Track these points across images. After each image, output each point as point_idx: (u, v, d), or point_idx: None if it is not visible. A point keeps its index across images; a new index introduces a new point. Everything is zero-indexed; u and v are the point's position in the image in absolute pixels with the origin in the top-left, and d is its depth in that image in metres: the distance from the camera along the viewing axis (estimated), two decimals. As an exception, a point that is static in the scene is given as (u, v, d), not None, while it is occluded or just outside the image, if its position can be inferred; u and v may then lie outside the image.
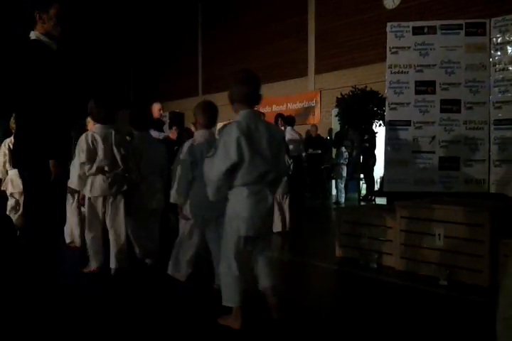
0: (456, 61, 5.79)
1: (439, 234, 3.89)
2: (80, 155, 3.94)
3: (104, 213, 4.08)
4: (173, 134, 6.92)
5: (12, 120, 6.57)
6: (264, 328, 2.88)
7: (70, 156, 3.64)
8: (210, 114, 3.72)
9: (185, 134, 7.34)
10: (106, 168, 3.98)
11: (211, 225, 3.39)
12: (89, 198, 4.06)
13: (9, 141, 6.20)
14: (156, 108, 7.52)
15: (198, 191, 3.24)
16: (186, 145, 3.62)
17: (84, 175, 3.99)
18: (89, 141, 3.97)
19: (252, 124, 2.80)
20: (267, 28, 13.61)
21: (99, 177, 3.99)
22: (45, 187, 3.02)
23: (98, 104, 4.09)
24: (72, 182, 4.05)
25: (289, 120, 7.91)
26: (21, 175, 3.17)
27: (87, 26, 20.01)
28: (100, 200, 4.05)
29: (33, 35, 3.06)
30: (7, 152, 5.90)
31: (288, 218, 6.24)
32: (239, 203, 2.78)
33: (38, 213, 3.06)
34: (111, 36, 19.89)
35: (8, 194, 5.73)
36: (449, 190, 5.67)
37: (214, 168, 2.73)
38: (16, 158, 3.18)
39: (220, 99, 15.50)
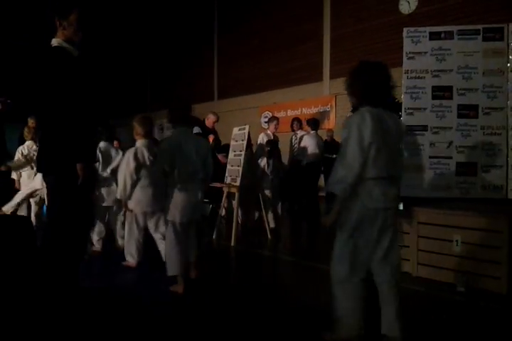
0: (473, 66, 5.76)
1: (456, 240, 3.88)
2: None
3: None
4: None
5: (26, 129, 6.73)
6: (273, 331, 2.89)
7: (95, 159, 3.72)
8: (148, 127, 4.55)
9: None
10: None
11: (150, 217, 4.44)
12: None
13: (22, 148, 6.38)
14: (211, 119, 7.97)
15: (140, 190, 4.35)
16: (131, 151, 4.41)
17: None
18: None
19: (182, 139, 3.80)
20: (282, 34, 13.67)
21: None
22: (73, 191, 3.07)
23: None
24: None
25: (314, 124, 8.02)
26: (47, 181, 3.20)
27: (106, 33, 20.29)
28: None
29: (54, 42, 3.13)
30: (21, 157, 6.12)
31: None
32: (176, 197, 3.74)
33: (64, 218, 3.09)
34: (128, 43, 20.15)
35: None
36: (466, 195, 5.63)
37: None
38: (41, 163, 3.22)
39: (236, 104, 15.70)
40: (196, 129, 7.99)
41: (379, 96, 2.60)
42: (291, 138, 8.49)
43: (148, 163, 4.35)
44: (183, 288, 3.68)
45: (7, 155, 6.24)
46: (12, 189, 6.79)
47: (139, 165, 4.31)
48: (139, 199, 4.36)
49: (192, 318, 3.18)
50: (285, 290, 3.94)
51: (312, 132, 8.02)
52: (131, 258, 4.56)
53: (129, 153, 4.38)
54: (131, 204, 4.40)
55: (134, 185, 4.32)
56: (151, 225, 4.47)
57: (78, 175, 3.03)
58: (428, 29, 6.03)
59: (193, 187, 3.77)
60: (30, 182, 6.42)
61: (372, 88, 2.61)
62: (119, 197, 4.49)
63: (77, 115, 3.06)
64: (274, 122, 8.26)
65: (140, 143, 4.43)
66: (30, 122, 8.15)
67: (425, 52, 5.96)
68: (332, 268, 2.77)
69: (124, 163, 4.41)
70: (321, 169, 8.22)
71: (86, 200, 3.27)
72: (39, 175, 6.06)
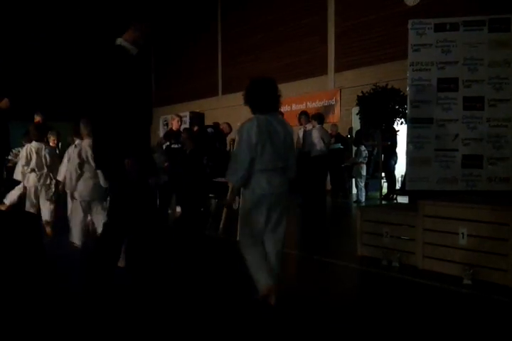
0: (479, 58, 5.72)
1: (462, 233, 3.85)
2: None
3: None
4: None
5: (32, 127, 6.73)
6: (284, 328, 2.90)
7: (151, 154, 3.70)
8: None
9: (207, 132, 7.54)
10: None
11: (93, 206, 5.04)
12: None
13: (31, 146, 6.33)
14: (175, 120, 8.12)
15: (83, 182, 4.99)
16: (75, 150, 5.08)
17: None
18: None
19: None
20: (286, 27, 13.59)
21: None
22: (127, 188, 3.10)
23: None
24: None
25: (320, 119, 8.03)
26: (105, 177, 3.35)
27: (108, 29, 20.25)
28: None
29: (118, 41, 3.30)
30: (30, 156, 6.11)
31: None
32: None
33: (123, 215, 3.16)
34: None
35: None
36: (472, 188, 5.61)
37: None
38: (96, 159, 3.34)
39: (240, 99, 15.42)
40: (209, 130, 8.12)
41: (266, 106, 3.26)
42: (298, 133, 8.46)
43: (90, 160, 4.93)
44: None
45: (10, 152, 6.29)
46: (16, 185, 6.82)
47: (82, 162, 5.02)
48: (81, 190, 5.07)
49: (190, 314, 3.19)
50: (286, 283, 3.94)
51: (318, 126, 8.00)
52: (77, 241, 5.10)
53: (74, 151, 5.17)
54: (76, 194, 5.11)
55: (78, 179, 5.06)
56: (91, 212, 5.11)
57: (130, 170, 3.02)
58: (433, 21, 5.98)
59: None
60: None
61: (259, 100, 3.26)
62: (66, 188, 5.39)
63: (130, 110, 3.09)
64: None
65: (85, 142, 5.08)
66: (37, 119, 8.17)
67: (430, 44, 5.92)
68: (239, 240, 3.51)
69: (66, 159, 5.43)
70: (328, 162, 8.18)
71: (143, 196, 3.24)
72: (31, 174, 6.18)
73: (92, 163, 4.64)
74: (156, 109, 19.41)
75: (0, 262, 2.99)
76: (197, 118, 13.86)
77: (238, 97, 13.26)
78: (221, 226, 6.24)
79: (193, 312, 3.15)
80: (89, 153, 4.83)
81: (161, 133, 17.75)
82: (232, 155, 3.47)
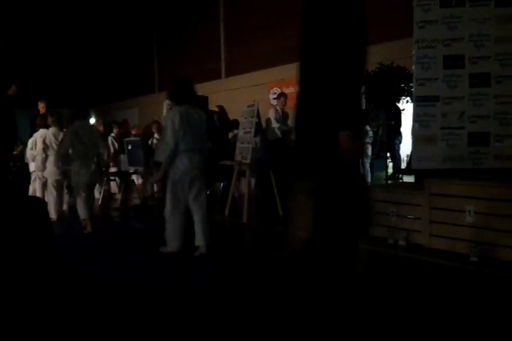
0: (485, 33, 5.60)
1: (469, 211, 3.84)
2: None
3: None
4: None
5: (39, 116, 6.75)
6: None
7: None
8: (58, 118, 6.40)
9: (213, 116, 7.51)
10: None
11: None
12: None
13: (40, 135, 6.37)
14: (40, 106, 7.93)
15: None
16: (41, 137, 6.25)
17: None
18: None
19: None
20: (290, 7, 13.37)
21: None
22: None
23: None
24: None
25: None
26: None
27: (110, 13, 20.11)
28: None
29: None
30: (39, 145, 6.21)
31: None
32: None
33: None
34: (133, 21, 19.96)
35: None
36: (479, 166, 5.55)
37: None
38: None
39: (243, 81, 15.45)
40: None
41: (185, 100, 4.21)
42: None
43: (54, 146, 6.03)
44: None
45: (18, 140, 6.31)
46: (27, 173, 6.86)
47: (47, 147, 6.12)
48: (50, 171, 6.11)
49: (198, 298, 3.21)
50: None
51: None
52: (54, 215, 5.98)
53: (39, 138, 6.27)
54: (45, 174, 6.25)
55: (43, 161, 6.16)
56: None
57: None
58: (439, -4, 5.86)
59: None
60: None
61: (180, 96, 4.23)
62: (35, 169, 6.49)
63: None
64: (281, 99, 8.19)
65: (51, 129, 6.20)
66: (41, 106, 8.15)
67: (436, 21, 5.80)
68: (165, 207, 4.24)
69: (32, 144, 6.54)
70: None
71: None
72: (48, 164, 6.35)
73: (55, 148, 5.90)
74: (159, 94, 19.33)
75: (11, 246, 3.02)
76: (201, 101, 13.78)
77: (242, 80, 13.24)
78: (227, 208, 6.28)
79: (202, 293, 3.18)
80: (53, 139, 6.14)
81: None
82: (161, 139, 4.38)
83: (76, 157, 5.34)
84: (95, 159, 5.52)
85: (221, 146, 7.75)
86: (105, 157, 5.68)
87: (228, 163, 6.70)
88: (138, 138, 7.46)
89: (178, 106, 4.19)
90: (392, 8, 10.47)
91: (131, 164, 7.54)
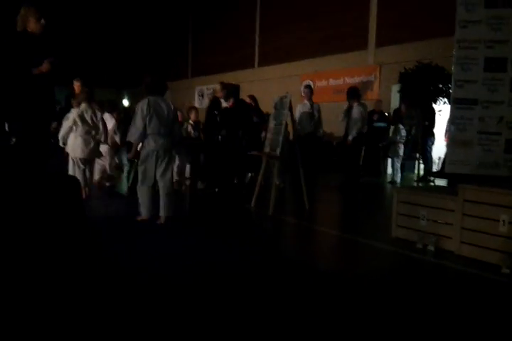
0: (531, 37, 5.42)
1: (503, 220, 3.75)
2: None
3: None
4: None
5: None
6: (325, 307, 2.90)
7: None
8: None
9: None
10: None
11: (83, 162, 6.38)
12: None
13: (77, 111, 6.43)
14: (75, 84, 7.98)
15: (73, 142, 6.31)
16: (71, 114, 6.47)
17: None
18: None
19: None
20: (326, 0, 13.19)
21: None
22: None
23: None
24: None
25: (353, 94, 7.71)
26: None
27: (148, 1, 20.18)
28: None
29: None
30: (77, 120, 6.26)
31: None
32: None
33: None
34: (171, 8, 19.98)
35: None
36: (515, 174, 5.42)
37: None
38: None
39: (276, 72, 15.36)
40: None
41: (155, 91, 5.00)
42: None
43: (79, 123, 6.34)
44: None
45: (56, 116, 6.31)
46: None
47: (76, 124, 6.36)
48: (74, 148, 6.38)
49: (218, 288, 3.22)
50: (317, 260, 3.95)
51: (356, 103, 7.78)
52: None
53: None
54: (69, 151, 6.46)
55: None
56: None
57: None
58: (484, -4, 5.67)
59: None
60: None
61: (151, 87, 5.00)
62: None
63: None
64: (305, 90, 8.17)
65: (81, 106, 6.41)
66: (76, 85, 8.23)
67: (479, 21, 5.64)
68: (138, 184, 5.01)
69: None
70: (363, 142, 7.92)
71: None
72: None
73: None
74: (191, 79, 19.37)
75: (43, 224, 3.05)
76: (232, 90, 13.75)
77: (274, 70, 13.19)
78: (253, 199, 6.28)
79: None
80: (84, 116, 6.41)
81: (196, 104, 17.79)
82: (132, 123, 4.96)
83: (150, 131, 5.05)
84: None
85: (251, 136, 7.73)
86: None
87: (257, 153, 6.67)
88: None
89: (149, 96, 4.93)
90: (435, 4, 10.21)
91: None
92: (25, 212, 2.96)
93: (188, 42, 19.58)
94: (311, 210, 6.17)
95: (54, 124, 5.92)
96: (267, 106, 8.71)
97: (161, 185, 4.99)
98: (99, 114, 6.66)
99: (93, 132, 6.50)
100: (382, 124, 9.80)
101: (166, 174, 4.98)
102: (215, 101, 7.91)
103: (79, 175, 6.24)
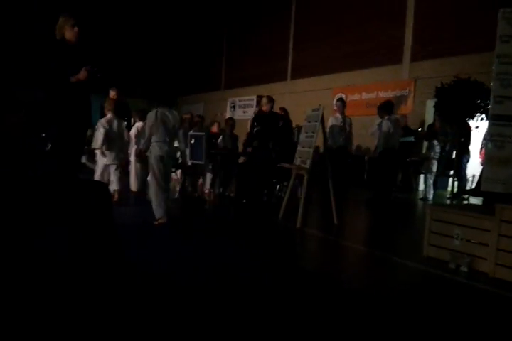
0: None
1: (543, 243, 3.57)
2: None
3: None
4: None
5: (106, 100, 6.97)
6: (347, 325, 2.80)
7: None
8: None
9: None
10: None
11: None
12: None
13: (104, 121, 6.57)
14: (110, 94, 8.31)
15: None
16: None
17: None
18: None
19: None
20: (360, 12, 13.10)
21: None
22: None
23: None
24: None
25: (385, 108, 7.60)
26: None
27: (185, 13, 20.53)
28: None
29: None
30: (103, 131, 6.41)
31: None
32: None
33: None
34: (206, 21, 20.27)
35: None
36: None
37: None
38: None
39: (308, 85, 15.34)
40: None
41: (163, 104, 5.59)
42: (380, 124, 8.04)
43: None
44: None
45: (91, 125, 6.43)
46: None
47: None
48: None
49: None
50: (345, 277, 3.84)
51: (386, 117, 7.66)
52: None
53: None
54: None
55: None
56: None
57: None
58: (528, 10, 5.51)
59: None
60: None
61: (159, 101, 5.66)
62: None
63: None
64: (337, 103, 8.13)
65: (107, 116, 6.80)
66: (112, 94, 8.38)
67: (522, 36, 5.47)
68: (149, 183, 5.81)
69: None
70: (394, 157, 7.74)
71: None
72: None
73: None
74: (224, 91, 19.51)
75: (72, 230, 3.05)
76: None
77: (307, 82, 13.16)
78: (281, 211, 6.21)
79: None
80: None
81: (227, 115, 17.88)
82: (142, 132, 5.96)
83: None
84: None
85: (282, 148, 7.67)
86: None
87: (287, 166, 6.61)
88: (202, 133, 7.51)
89: (157, 108, 5.51)
90: (472, 19, 10.02)
91: (192, 157, 7.66)
92: (56, 217, 2.99)
93: (222, 55, 19.77)
94: (339, 225, 6.06)
95: (89, 132, 6.03)
96: (298, 118, 8.66)
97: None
98: (124, 124, 6.99)
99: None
100: (408, 139, 9.61)
101: (168, 176, 5.70)
102: (260, 115, 7.83)
103: (107, 180, 6.41)
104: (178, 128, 5.77)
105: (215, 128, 8.91)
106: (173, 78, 20.98)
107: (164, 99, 5.60)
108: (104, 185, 4.96)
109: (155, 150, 5.41)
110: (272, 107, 7.54)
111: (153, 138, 5.40)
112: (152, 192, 5.51)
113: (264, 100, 7.66)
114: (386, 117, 7.59)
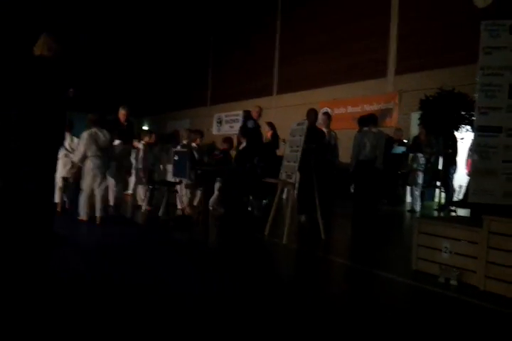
0: (559, 63, 5.25)
1: (533, 254, 3.50)
2: None
3: None
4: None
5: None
6: None
7: None
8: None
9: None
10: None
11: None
12: None
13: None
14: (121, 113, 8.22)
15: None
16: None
17: None
18: None
19: None
20: (345, 29, 13.26)
21: None
22: None
23: None
24: None
25: (366, 120, 7.43)
26: None
27: (168, 29, 20.60)
28: None
29: None
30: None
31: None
32: None
33: None
34: (190, 36, 20.35)
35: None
36: (542, 204, 5.15)
37: None
38: None
39: (294, 99, 15.36)
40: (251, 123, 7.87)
41: (95, 124, 6.49)
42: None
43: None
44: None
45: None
46: None
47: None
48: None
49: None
50: (333, 294, 3.72)
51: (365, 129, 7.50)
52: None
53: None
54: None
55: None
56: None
57: None
58: (508, 22, 5.54)
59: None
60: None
61: (91, 121, 6.56)
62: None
63: None
64: (323, 117, 8.02)
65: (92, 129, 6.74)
66: (121, 113, 8.15)
67: (504, 47, 5.49)
68: (82, 188, 6.47)
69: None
70: (373, 168, 7.52)
71: None
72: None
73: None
74: (210, 107, 19.50)
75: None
76: (248, 116, 13.76)
77: (293, 97, 13.14)
78: (267, 227, 6.09)
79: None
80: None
81: (214, 131, 17.83)
82: (76, 148, 6.64)
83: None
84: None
85: (267, 163, 7.59)
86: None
87: (272, 181, 6.52)
88: (185, 150, 7.40)
89: (91, 128, 6.45)
90: (454, 32, 10.15)
91: (175, 174, 7.53)
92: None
93: (208, 71, 19.81)
94: (327, 240, 5.95)
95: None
96: (284, 133, 8.60)
97: (97, 192, 6.44)
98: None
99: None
100: (399, 151, 9.56)
101: (102, 185, 6.53)
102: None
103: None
104: (110, 145, 6.75)
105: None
106: (158, 94, 20.95)
107: (95, 121, 6.52)
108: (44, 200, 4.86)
109: (88, 164, 6.39)
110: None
111: (87, 154, 6.34)
112: (81, 195, 6.43)
113: (267, 128, 8.35)
114: (364, 129, 7.46)
